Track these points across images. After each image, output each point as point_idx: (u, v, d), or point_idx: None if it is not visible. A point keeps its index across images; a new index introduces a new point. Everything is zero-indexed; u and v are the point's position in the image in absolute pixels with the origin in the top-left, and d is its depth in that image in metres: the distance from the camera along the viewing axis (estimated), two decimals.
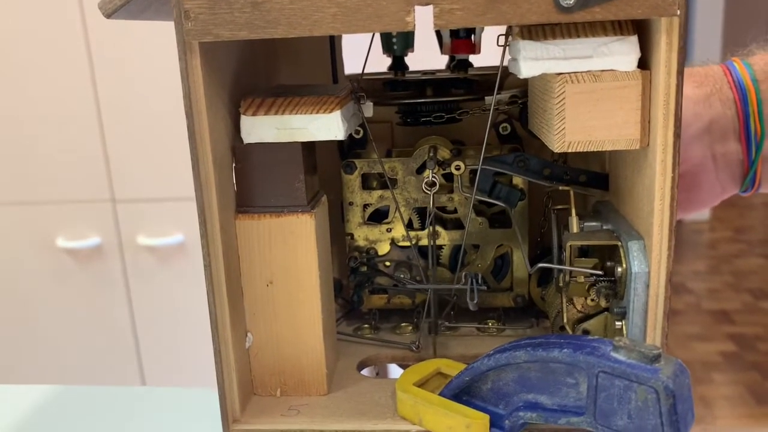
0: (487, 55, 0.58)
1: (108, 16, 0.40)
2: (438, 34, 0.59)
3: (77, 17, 1.29)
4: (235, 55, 0.47)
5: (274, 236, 0.46)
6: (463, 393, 0.44)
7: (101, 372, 1.52)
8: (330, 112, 0.44)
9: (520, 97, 0.55)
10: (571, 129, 0.41)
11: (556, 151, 0.41)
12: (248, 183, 0.46)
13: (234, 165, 0.46)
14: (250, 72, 0.50)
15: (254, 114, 0.45)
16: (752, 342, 2.29)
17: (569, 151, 0.41)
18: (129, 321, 1.49)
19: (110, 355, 1.51)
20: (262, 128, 0.45)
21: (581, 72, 0.40)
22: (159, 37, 1.26)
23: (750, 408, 1.92)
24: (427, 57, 0.60)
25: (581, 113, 0.41)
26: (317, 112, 0.44)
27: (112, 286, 1.46)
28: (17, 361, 1.54)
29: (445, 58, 0.59)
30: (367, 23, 0.38)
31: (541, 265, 0.47)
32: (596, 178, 0.51)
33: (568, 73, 0.40)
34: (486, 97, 0.55)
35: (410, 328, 0.57)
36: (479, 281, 0.48)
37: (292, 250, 0.46)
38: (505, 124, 0.56)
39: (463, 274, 0.49)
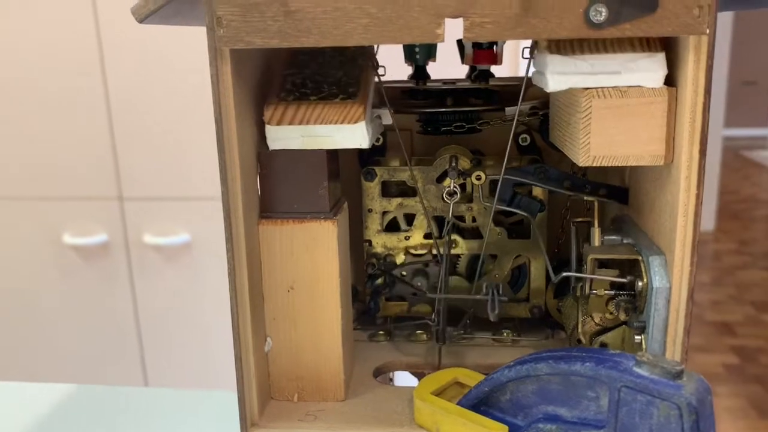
0: (506, 64, 0.59)
1: (141, 21, 0.40)
2: (459, 43, 0.59)
3: (90, 14, 1.29)
4: (262, 63, 0.47)
5: (297, 242, 0.46)
6: (481, 403, 0.44)
7: (103, 369, 1.52)
8: (355, 122, 0.44)
9: (541, 109, 0.56)
10: (596, 143, 0.41)
11: (580, 164, 0.42)
12: (272, 189, 0.46)
13: (259, 171, 0.46)
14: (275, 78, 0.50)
15: (279, 123, 0.45)
16: (754, 354, 2.29)
17: (594, 165, 0.41)
18: (133, 319, 1.49)
19: (113, 353, 1.51)
20: (287, 136, 0.45)
21: (608, 87, 0.41)
22: (170, 38, 1.26)
23: (752, 421, 1.92)
24: (448, 66, 0.60)
25: (607, 128, 0.41)
26: (342, 122, 0.44)
27: (117, 284, 1.47)
28: (21, 357, 1.54)
29: (466, 68, 0.59)
30: (398, 35, 0.38)
31: (565, 273, 0.48)
32: (616, 191, 0.51)
33: (595, 88, 0.41)
34: (506, 108, 0.55)
35: (425, 336, 0.57)
36: (500, 292, 0.48)
37: (313, 256, 0.46)
38: (524, 135, 0.56)
39: (484, 284, 0.49)
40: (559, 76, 0.41)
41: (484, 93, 0.56)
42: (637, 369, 0.37)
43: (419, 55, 0.55)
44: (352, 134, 0.44)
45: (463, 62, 0.59)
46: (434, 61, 0.56)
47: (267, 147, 0.46)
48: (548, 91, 0.42)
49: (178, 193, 1.38)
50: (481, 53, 0.55)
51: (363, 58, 0.50)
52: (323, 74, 0.47)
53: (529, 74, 0.48)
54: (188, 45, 1.25)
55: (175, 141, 1.34)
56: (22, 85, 1.36)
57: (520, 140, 0.56)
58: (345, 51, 0.50)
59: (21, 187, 1.42)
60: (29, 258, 1.46)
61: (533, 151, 0.56)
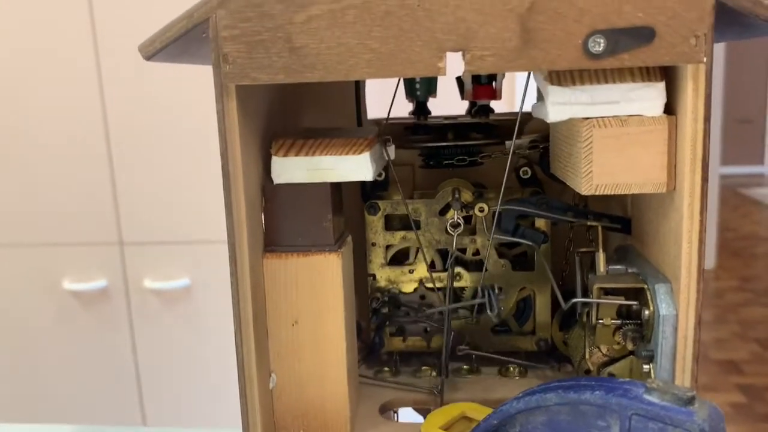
0: (504, 99, 0.60)
1: (148, 58, 0.41)
2: (459, 80, 0.60)
3: (92, 60, 1.31)
4: (266, 99, 0.48)
5: (301, 276, 0.46)
6: None
7: (103, 414, 1.50)
8: (359, 153, 0.45)
9: (541, 142, 0.56)
10: (599, 173, 0.42)
11: (583, 193, 0.42)
12: (276, 223, 0.46)
13: (263, 205, 0.46)
14: (279, 115, 0.51)
15: (285, 155, 0.45)
16: (762, 393, 2.27)
17: (596, 193, 0.42)
18: (132, 364, 1.48)
19: (112, 399, 1.49)
20: (292, 169, 0.45)
21: (608, 117, 0.41)
22: (171, 83, 1.28)
23: None
24: (448, 103, 0.61)
25: (608, 157, 0.41)
26: (347, 154, 0.45)
27: (116, 330, 1.46)
28: (20, 402, 1.52)
29: (466, 104, 0.60)
30: (400, 68, 0.39)
31: (575, 300, 0.47)
32: (619, 221, 0.52)
33: (595, 117, 0.41)
34: (507, 142, 0.56)
35: (431, 372, 0.57)
36: (496, 291, 0.48)
37: (318, 289, 0.46)
38: (525, 168, 0.57)
39: (479, 287, 0.49)
40: (560, 106, 0.42)
41: (485, 127, 0.57)
42: (647, 396, 0.36)
43: (420, 91, 0.56)
44: (357, 166, 0.45)
45: (462, 98, 0.60)
46: (434, 96, 0.57)
47: (271, 181, 0.46)
48: (549, 121, 0.42)
49: (178, 237, 1.39)
50: (480, 89, 0.56)
51: (371, 131, 0.51)
52: (332, 134, 0.48)
53: (526, 108, 0.49)
54: (189, 91, 1.27)
55: (176, 185, 1.34)
56: (22, 131, 1.37)
57: (521, 173, 0.57)
58: (354, 128, 0.51)
59: (22, 234, 1.43)
60: (28, 304, 1.46)
61: (534, 183, 0.57)
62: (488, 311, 0.49)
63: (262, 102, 0.47)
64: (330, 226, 0.46)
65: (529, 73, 0.48)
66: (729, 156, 4.75)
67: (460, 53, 0.39)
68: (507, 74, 0.57)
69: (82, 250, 1.42)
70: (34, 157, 1.38)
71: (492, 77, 0.56)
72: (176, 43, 0.41)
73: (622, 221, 0.52)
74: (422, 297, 0.56)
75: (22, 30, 1.31)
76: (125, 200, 1.38)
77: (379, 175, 0.58)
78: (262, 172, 0.46)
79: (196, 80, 1.24)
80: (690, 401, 0.35)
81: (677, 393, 0.36)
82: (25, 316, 1.47)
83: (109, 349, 1.46)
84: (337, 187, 0.47)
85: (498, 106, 0.60)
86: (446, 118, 0.59)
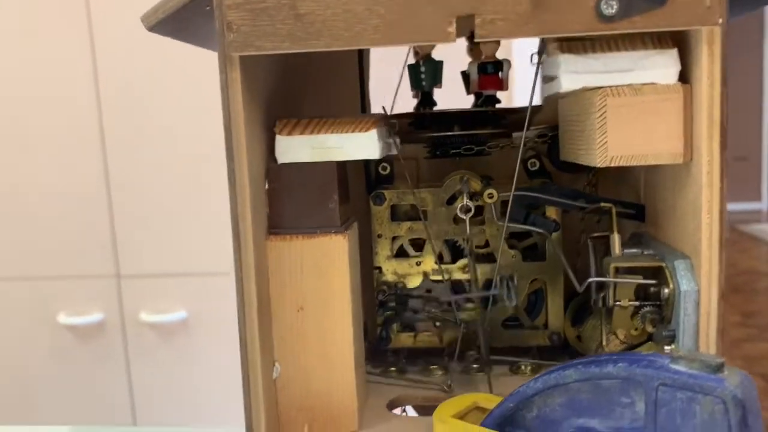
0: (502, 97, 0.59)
1: (150, 28, 0.40)
2: (464, 75, 0.60)
3: (92, 89, 1.31)
4: (268, 82, 0.47)
5: (306, 258, 0.44)
6: (506, 423, 0.41)
7: None
8: (366, 130, 0.43)
9: (548, 134, 0.55)
10: (613, 143, 0.40)
11: (598, 165, 0.41)
12: (281, 204, 0.45)
13: (267, 186, 0.45)
14: (281, 102, 0.50)
15: (290, 134, 0.44)
16: None
17: (612, 165, 0.40)
18: (128, 400, 1.44)
19: None
20: (297, 148, 0.44)
21: (622, 86, 0.40)
22: (168, 113, 1.28)
23: None
24: (452, 100, 0.61)
25: (623, 127, 0.40)
26: (353, 131, 0.44)
27: (112, 364, 1.42)
28: None
29: (471, 99, 0.59)
30: (408, 35, 0.38)
31: (592, 279, 0.45)
32: (632, 207, 0.50)
33: (609, 86, 0.40)
34: (513, 134, 0.55)
35: (440, 370, 0.55)
36: (514, 281, 0.46)
37: (324, 273, 0.44)
38: (533, 160, 0.56)
39: (497, 276, 0.47)
40: (572, 75, 0.41)
41: (492, 118, 0.56)
42: (673, 365, 0.35)
43: (425, 81, 0.55)
44: (364, 143, 0.43)
45: (468, 92, 0.60)
46: (440, 86, 0.57)
47: (275, 161, 0.45)
48: (561, 90, 0.41)
49: (175, 269, 1.37)
50: (486, 78, 0.56)
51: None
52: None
53: (535, 100, 0.48)
54: (185, 120, 1.27)
55: (173, 217, 1.33)
56: (17, 161, 1.36)
57: (529, 165, 0.56)
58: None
59: (16, 267, 1.40)
60: (22, 339, 1.43)
61: (542, 175, 0.56)
62: (506, 302, 0.48)
63: (264, 83, 0.46)
64: (336, 207, 0.44)
65: (539, 65, 0.48)
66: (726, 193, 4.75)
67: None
68: (507, 69, 0.57)
69: (79, 282, 1.40)
70: (29, 189, 1.36)
71: (498, 67, 0.55)
72: (179, 15, 0.40)
73: (635, 207, 0.50)
74: (428, 290, 0.54)
75: (21, 60, 1.31)
76: (122, 233, 1.36)
77: (384, 168, 0.57)
78: (266, 151, 0.45)
79: (196, 115, 1.25)
80: (719, 368, 0.33)
81: (705, 360, 0.34)
82: (19, 351, 1.44)
83: (105, 385, 1.43)
84: (343, 171, 0.46)
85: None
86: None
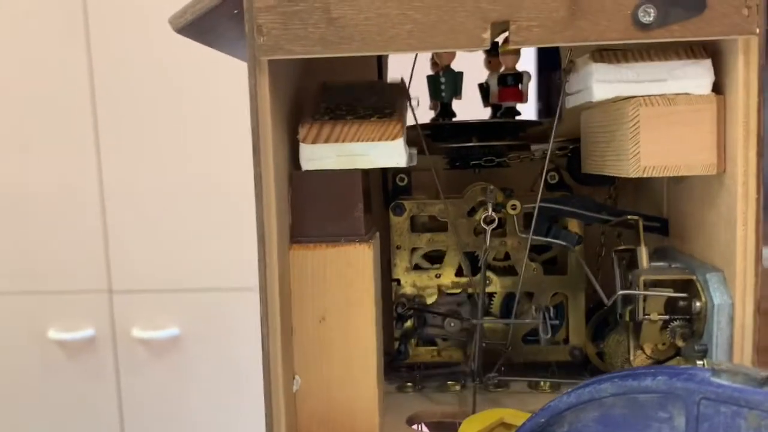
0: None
1: (177, 30, 0.39)
2: (481, 87, 0.59)
3: (87, 102, 1.30)
4: (290, 85, 0.46)
5: (330, 267, 0.43)
6: None
7: None
8: (393, 138, 0.43)
9: (568, 147, 0.55)
10: (646, 153, 0.40)
11: (630, 176, 0.40)
12: (304, 212, 0.44)
13: (290, 193, 0.44)
14: (301, 105, 0.49)
15: (314, 141, 0.43)
16: None
17: (645, 176, 0.40)
18: (117, 416, 1.41)
19: None
20: (322, 155, 0.43)
21: (655, 95, 0.40)
22: (165, 128, 1.27)
23: None
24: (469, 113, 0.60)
25: (656, 137, 0.40)
26: (380, 139, 0.43)
27: (102, 381, 1.40)
28: None
29: (478, 110, 0.59)
30: (442, 40, 0.38)
31: (622, 292, 0.45)
32: (656, 221, 0.50)
33: (642, 96, 0.40)
34: (533, 146, 0.55)
35: (457, 387, 0.53)
36: (551, 315, 0.45)
37: (347, 282, 0.43)
38: (553, 173, 0.55)
39: (533, 307, 0.46)
40: (605, 84, 0.40)
41: (511, 129, 0.56)
42: (715, 379, 0.34)
43: (445, 92, 0.55)
44: (391, 151, 0.43)
45: (485, 104, 0.59)
46: (459, 98, 0.56)
47: (298, 168, 0.44)
48: (593, 100, 0.41)
49: (168, 285, 1.35)
50: (507, 90, 0.55)
51: (395, 89, 0.49)
52: (357, 99, 0.46)
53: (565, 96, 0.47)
54: (181, 137, 1.26)
55: (167, 232, 1.32)
56: (12, 172, 1.34)
57: (548, 178, 0.55)
58: (376, 84, 0.50)
59: (6, 281, 1.38)
60: (12, 354, 1.40)
61: (562, 188, 0.55)
62: (541, 334, 0.47)
63: (287, 89, 0.45)
64: (361, 216, 0.43)
65: (564, 82, 0.47)
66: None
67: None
68: (526, 81, 0.56)
69: (70, 298, 1.38)
70: (20, 202, 1.34)
71: (518, 79, 0.55)
72: (207, 18, 0.40)
73: (659, 220, 0.50)
74: (457, 305, 0.53)
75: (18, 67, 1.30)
76: (115, 247, 1.34)
77: (401, 179, 0.56)
78: (290, 159, 0.44)
79: (190, 134, 1.24)
80: (765, 382, 0.33)
81: (749, 373, 0.33)
82: (8, 366, 1.41)
83: (95, 402, 1.40)
84: (366, 180, 0.45)
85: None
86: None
